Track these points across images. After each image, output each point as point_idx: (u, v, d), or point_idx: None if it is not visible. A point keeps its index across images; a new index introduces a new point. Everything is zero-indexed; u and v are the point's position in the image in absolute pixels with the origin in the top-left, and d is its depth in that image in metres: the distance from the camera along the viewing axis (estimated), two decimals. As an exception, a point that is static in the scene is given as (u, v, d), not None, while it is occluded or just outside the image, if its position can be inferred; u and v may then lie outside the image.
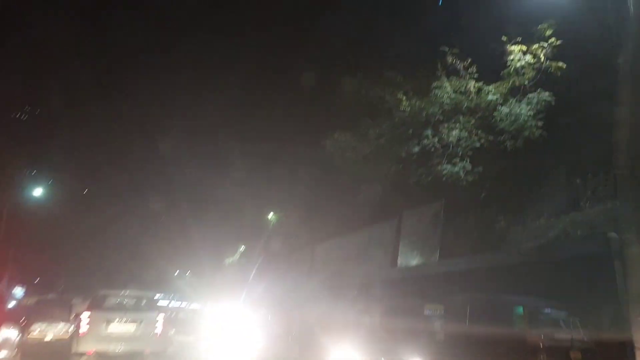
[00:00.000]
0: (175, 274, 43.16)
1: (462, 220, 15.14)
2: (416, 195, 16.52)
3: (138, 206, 37.17)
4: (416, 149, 12.95)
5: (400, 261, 16.21)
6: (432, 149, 12.77)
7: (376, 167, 14.60)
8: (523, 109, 11.88)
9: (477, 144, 12.62)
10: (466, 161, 12.51)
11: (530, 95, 11.92)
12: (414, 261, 15.42)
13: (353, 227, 20.17)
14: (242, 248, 36.48)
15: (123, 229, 36.64)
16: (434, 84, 13.00)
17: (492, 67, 13.34)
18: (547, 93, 11.68)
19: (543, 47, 11.80)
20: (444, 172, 12.41)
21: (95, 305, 12.01)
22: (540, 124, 12.43)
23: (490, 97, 12.39)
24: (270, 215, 31.99)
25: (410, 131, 13.46)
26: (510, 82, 12.39)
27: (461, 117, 12.95)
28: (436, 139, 12.77)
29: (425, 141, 12.95)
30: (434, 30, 15.37)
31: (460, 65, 12.86)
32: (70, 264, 36.30)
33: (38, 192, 29.12)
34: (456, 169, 12.22)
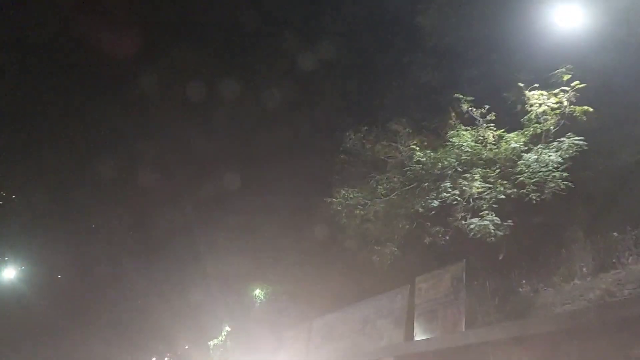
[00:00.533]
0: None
1: (487, 283, 13.72)
2: (429, 257, 15.16)
3: (110, 291, 34.42)
4: (435, 204, 11.76)
5: (417, 334, 14.44)
6: (454, 203, 11.58)
7: (387, 226, 13.29)
8: (552, 156, 10.93)
9: (502, 196, 11.50)
10: (493, 215, 11.32)
11: (560, 139, 11.03)
12: (435, 333, 13.67)
13: (357, 298, 18.40)
14: (227, 328, 33.63)
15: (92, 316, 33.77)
16: (450, 133, 12.09)
17: (507, 116, 12.64)
18: (579, 137, 10.80)
19: (565, 91, 11.10)
20: (471, 227, 11.15)
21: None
22: (564, 175, 11.49)
23: (512, 145, 11.47)
24: (257, 292, 29.78)
25: (426, 185, 12.34)
26: (532, 129, 11.56)
27: (480, 169, 11.95)
28: (457, 192, 11.63)
29: (445, 194, 11.79)
30: (439, 81, 14.81)
31: (476, 113, 12.06)
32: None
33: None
34: (485, 222, 10.98)
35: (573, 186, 11.63)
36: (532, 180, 11.67)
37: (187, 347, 37.75)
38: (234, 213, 28.04)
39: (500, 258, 13.72)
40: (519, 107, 12.08)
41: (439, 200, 11.76)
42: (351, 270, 18.34)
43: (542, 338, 11.61)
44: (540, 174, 11.51)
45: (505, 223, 11.20)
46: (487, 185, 11.43)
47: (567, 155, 10.86)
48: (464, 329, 12.75)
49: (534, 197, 11.59)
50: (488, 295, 13.93)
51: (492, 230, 11.03)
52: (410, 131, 13.50)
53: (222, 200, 28.91)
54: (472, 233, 11.20)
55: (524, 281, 13.81)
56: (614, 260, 11.49)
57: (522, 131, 11.68)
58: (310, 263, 21.83)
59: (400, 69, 17.00)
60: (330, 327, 20.32)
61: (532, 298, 13.34)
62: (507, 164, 11.84)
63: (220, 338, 33.23)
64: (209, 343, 33.81)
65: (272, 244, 25.56)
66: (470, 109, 12.02)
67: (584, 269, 12.44)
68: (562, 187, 11.52)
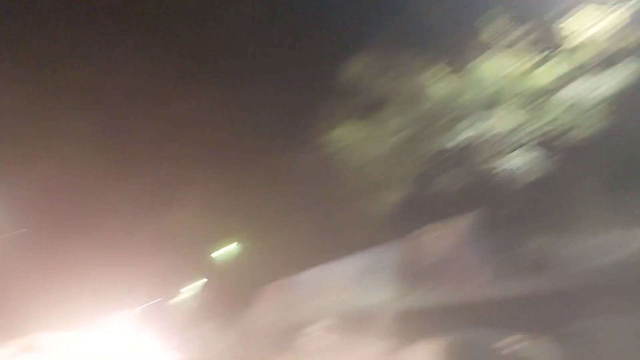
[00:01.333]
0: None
1: (497, 238, 12.30)
2: (429, 211, 13.56)
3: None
4: (470, 134, 9.85)
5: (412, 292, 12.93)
6: (488, 139, 9.76)
7: (395, 168, 11.41)
8: (608, 84, 9.20)
9: (540, 132, 9.80)
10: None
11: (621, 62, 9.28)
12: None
13: (343, 253, 16.74)
14: (200, 283, 31.16)
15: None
16: (481, 57, 10.13)
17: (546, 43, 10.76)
18: (643, 60, 9.06)
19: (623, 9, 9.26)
20: (507, 165, 9.40)
21: None
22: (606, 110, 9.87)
23: (558, 70, 9.63)
24: (229, 248, 27.57)
25: (448, 119, 10.45)
26: (580, 54, 9.75)
27: (515, 100, 10.14)
28: (489, 126, 9.80)
29: (471, 133, 9.93)
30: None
31: (514, 35, 10.11)
32: None
33: None
34: (524, 160, 9.24)
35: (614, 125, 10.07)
36: (567, 118, 10.04)
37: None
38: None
39: (509, 212, 12.25)
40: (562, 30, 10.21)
41: (475, 133, 9.85)
42: (339, 223, 16.57)
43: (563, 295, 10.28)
44: (580, 109, 9.86)
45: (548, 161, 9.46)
46: (525, 118, 9.63)
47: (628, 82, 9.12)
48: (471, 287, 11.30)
49: (571, 136, 9.98)
50: (500, 249, 12.58)
51: (533, 172, 9.29)
52: (426, 61, 11.44)
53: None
54: (509, 173, 9.45)
55: (537, 236, 12.51)
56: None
57: (567, 56, 9.84)
58: (291, 215, 19.90)
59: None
60: (308, 285, 18.73)
61: (550, 253, 12.05)
62: (547, 95, 10.05)
63: (185, 294, 31.16)
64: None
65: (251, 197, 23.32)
66: (507, 29, 10.02)
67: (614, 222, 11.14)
68: (602, 125, 9.94)
